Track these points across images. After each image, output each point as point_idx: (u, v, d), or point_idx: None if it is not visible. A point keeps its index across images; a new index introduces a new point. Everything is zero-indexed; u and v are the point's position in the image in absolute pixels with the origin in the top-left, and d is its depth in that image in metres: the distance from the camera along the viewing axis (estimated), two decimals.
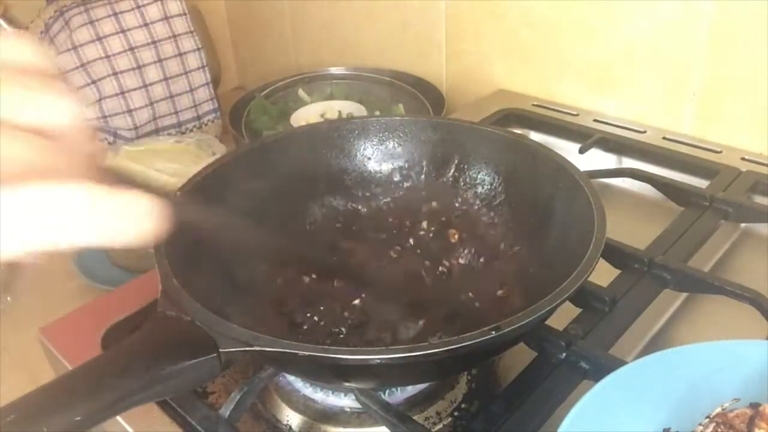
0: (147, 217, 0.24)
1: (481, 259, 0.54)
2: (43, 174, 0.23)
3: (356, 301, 0.51)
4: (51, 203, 0.23)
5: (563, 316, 0.49)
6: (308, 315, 0.50)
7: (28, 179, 0.22)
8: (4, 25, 0.99)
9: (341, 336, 0.48)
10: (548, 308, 0.37)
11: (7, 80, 0.23)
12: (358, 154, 0.60)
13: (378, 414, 0.42)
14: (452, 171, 0.59)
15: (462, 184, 0.59)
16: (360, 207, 0.60)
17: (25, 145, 0.23)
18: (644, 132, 0.76)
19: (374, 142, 0.60)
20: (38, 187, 0.22)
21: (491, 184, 0.57)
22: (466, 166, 0.58)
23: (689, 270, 0.54)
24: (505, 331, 0.36)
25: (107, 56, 0.94)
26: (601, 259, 0.41)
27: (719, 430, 0.35)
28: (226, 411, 0.43)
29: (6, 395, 0.30)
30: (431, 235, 0.57)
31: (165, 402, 0.46)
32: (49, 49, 0.26)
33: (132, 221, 0.24)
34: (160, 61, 0.99)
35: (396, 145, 0.60)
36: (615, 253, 0.55)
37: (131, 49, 0.96)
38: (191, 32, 1.01)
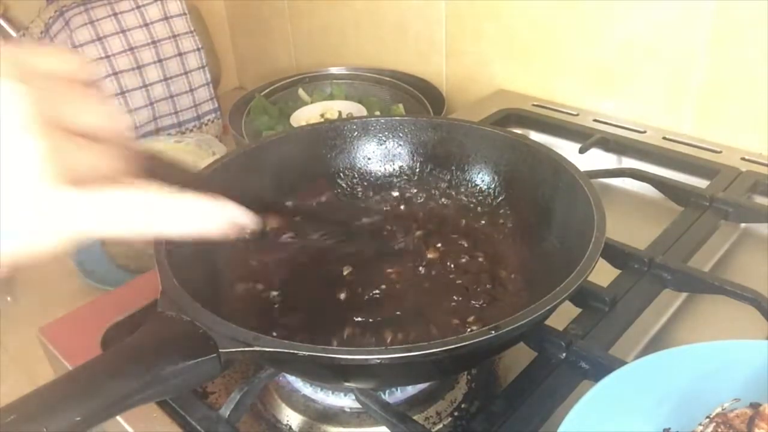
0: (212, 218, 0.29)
1: (481, 259, 0.54)
2: (108, 177, 0.27)
3: (355, 300, 0.51)
4: (125, 204, 0.26)
5: (563, 316, 0.49)
6: (306, 313, 0.50)
7: (101, 184, 0.26)
8: (5, 25, 0.99)
9: (340, 336, 0.48)
10: (548, 308, 0.37)
11: (61, 91, 0.26)
12: (358, 154, 0.60)
13: (378, 414, 0.42)
14: (452, 171, 0.59)
15: (462, 183, 0.59)
16: (360, 207, 0.60)
17: (90, 152, 0.26)
18: (644, 132, 0.76)
19: (374, 142, 0.60)
20: (114, 191, 0.26)
21: (491, 184, 0.57)
22: (466, 166, 0.58)
23: (689, 270, 0.54)
24: (505, 330, 0.36)
25: (107, 56, 0.94)
26: (601, 259, 0.41)
27: (719, 430, 0.35)
28: (226, 411, 0.43)
29: (6, 395, 0.30)
30: (431, 234, 0.57)
31: (165, 402, 0.46)
32: (85, 58, 0.30)
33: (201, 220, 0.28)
34: (160, 61, 0.99)
35: (396, 145, 0.60)
36: (615, 253, 0.55)
37: (131, 49, 0.96)
38: (191, 32, 1.01)
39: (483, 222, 0.57)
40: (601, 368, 0.43)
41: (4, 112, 0.24)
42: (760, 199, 0.65)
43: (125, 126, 0.29)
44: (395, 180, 0.60)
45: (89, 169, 0.26)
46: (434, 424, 0.45)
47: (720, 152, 0.71)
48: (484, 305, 0.49)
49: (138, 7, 0.97)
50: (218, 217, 0.29)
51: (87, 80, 0.28)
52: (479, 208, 0.58)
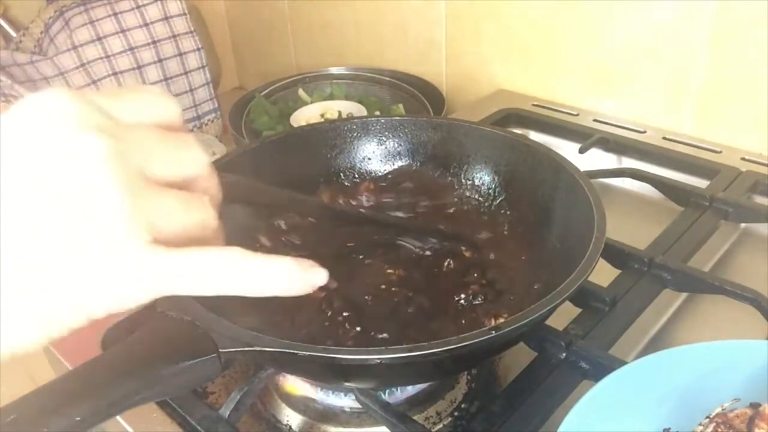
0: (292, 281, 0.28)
1: (480, 259, 0.54)
2: (196, 234, 0.26)
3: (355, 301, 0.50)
4: (207, 267, 0.26)
5: (563, 316, 0.49)
6: (306, 314, 0.50)
7: (187, 243, 0.25)
8: (5, 25, 0.99)
9: (341, 336, 0.48)
10: (548, 308, 0.37)
11: (148, 140, 0.26)
12: (358, 154, 0.60)
13: (378, 414, 0.42)
14: (452, 171, 0.59)
15: (462, 183, 0.59)
16: (360, 207, 0.60)
17: (178, 204, 0.26)
18: (644, 132, 0.76)
19: (374, 142, 0.60)
20: (198, 252, 0.25)
21: (491, 184, 0.57)
22: (466, 166, 0.58)
23: (689, 270, 0.54)
24: (505, 331, 0.36)
25: (107, 56, 0.94)
26: (601, 259, 0.41)
27: (719, 430, 0.35)
28: (226, 411, 0.43)
29: (6, 395, 0.30)
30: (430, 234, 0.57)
31: (165, 402, 0.46)
32: (174, 102, 0.29)
33: (277, 284, 0.28)
34: (160, 61, 0.99)
35: (396, 145, 0.60)
36: (615, 253, 0.55)
37: (131, 49, 0.96)
38: (191, 32, 1.01)
39: (482, 222, 0.57)
40: (601, 368, 0.43)
41: (87, 170, 0.23)
42: (760, 199, 0.65)
43: (210, 169, 0.28)
44: (395, 180, 0.60)
45: (177, 225, 0.25)
46: (434, 424, 0.45)
47: (720, 152, 0.71)
48: (483, 304, 0.49)
49: (138, 7, 0.97)
50: (300, 281, 0.29)
51: (176, 124, 0.28)
52: (479, 208, 0.58)
